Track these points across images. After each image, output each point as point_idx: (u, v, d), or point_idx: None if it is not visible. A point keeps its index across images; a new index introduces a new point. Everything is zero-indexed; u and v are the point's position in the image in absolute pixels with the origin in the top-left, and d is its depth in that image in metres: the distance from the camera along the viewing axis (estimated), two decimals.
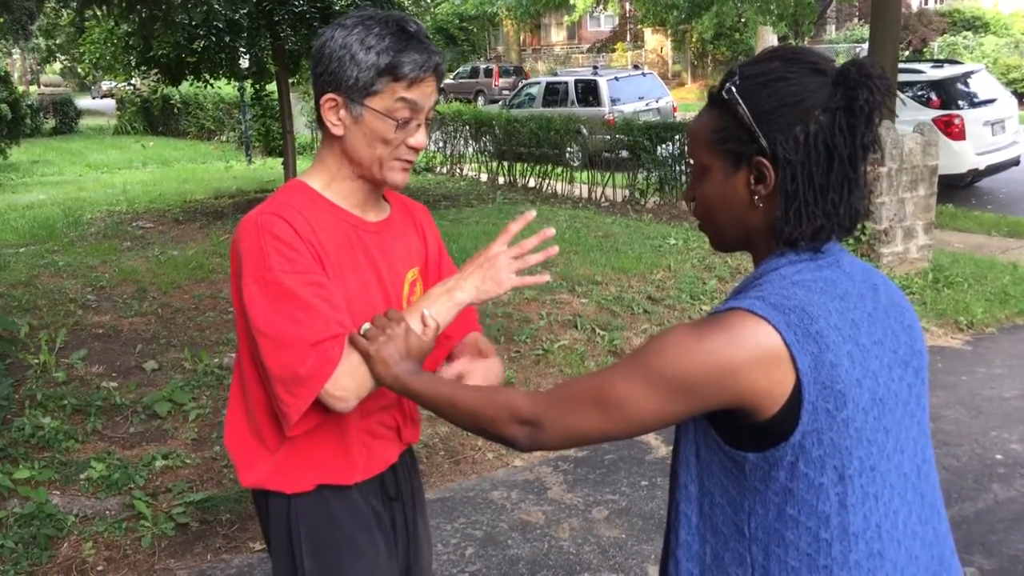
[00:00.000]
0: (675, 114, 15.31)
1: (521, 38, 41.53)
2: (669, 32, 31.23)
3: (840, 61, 1.21)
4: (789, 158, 1.16)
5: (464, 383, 1.51)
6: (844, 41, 29.12)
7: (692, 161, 1.27)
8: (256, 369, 1.54)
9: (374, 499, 1.66)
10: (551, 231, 1.55)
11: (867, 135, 1.16)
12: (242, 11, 9.24)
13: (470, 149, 13.75)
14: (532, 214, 1.57)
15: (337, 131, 1.53)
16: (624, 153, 11.01)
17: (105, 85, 35.25)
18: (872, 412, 1.15)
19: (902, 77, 9.63)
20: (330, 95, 1.52)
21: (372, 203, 1.64)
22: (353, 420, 1.57)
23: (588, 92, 15.69)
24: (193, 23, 8.71)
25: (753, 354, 1.10)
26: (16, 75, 38.28)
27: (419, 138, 1.55)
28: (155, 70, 10.51)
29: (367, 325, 1.45)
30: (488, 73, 29.79)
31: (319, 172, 1.60)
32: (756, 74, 1.19)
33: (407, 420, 1.72)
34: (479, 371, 1.61)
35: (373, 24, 1.49)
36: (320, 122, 1.56)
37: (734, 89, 1.19)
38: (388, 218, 1.68)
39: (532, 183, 12.21)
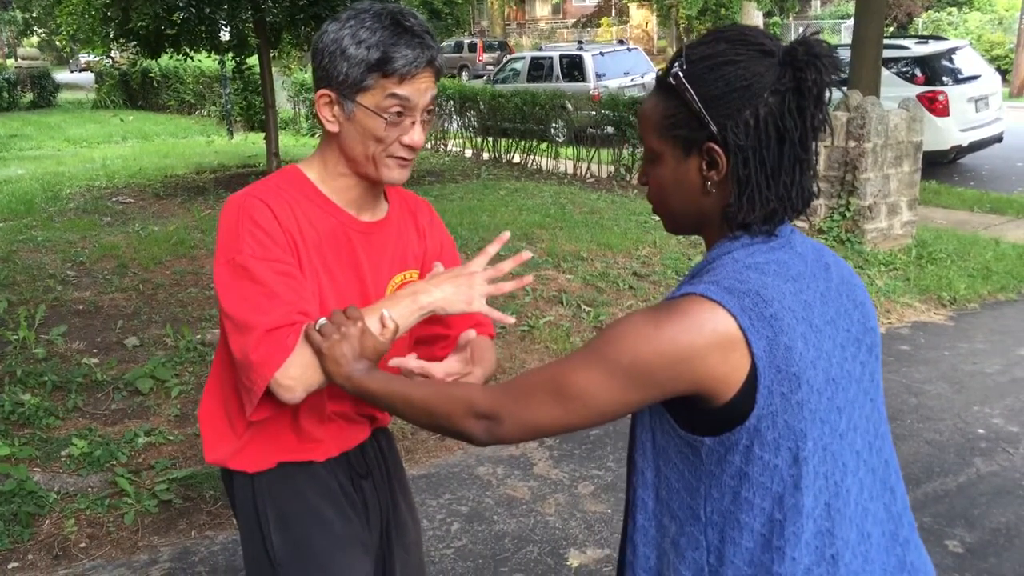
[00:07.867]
0: None
1: (505, 12, 41.22)
2: (654, 7, 31.09)
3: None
4: (740, 143, 1.13)
5: (419, 380, 1.47)
6: (829, 17, 29.08)
7: (643, 145, 1.25)
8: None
9: (341, 476, 1.66)
10: (527, 254, 1.55)
11: (817, 116, 1.14)
12: None
13: (454, 125, 13.66)
14: (507, 235, 1.57)
15: (332, 128, 1.51)
16: (609, 129, 10.97)
17: (83, 58, 34.69)
18: (826, 392, 1.14)
19: (887, 53, 9.63)
20: (324, 91, 1.50)
21: (368, 201, 1.61)
22: (317, 401, 1.55)
23: (573, 67, 15.61)
24: None
25: (709, 340, 1.09)
26: None
27: (414, 136, 1.50)
28: (134, 43, 10.30)
29: (323, 320, 1.42)
30: (472, 48, 29.59)
31: (317, 164, 1.58)
32: (703, 57, 1.15)
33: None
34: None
35: (367, 18, 1.45)
36: (317, 117, 1.54)
37: (681, 74, 1.16)
38: (384, 219, 1.65)
39: (517, 159, 12.16)
